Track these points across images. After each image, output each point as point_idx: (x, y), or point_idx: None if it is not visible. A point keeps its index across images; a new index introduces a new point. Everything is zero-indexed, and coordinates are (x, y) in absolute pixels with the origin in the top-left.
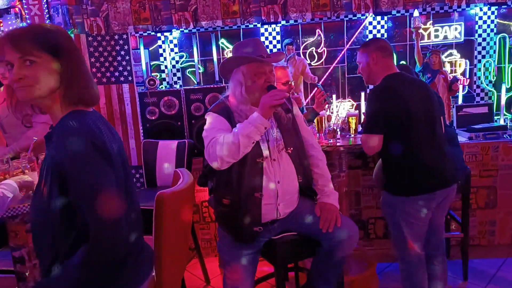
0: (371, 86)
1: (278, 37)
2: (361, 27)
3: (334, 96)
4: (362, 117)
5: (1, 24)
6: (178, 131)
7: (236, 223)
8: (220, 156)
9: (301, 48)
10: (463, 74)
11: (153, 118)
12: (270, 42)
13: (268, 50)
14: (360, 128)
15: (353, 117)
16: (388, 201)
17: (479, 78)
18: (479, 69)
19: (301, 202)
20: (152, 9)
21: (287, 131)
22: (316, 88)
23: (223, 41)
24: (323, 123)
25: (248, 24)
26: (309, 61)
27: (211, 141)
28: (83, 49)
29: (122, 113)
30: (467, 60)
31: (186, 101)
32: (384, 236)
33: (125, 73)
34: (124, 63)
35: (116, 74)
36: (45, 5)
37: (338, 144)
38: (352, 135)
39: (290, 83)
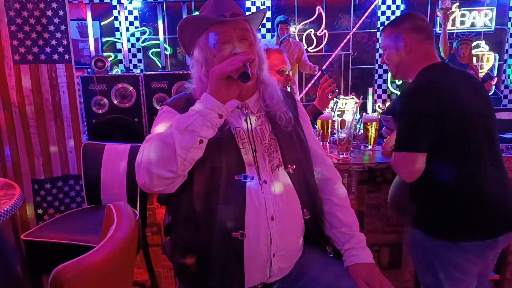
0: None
1: (268, 14)
2: (372, 6)
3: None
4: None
5: None
6: (134, 130)
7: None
8: (145, 165)
9: (296, 29)
10: (491, 71)
11: (101, 111)
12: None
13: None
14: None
15: (372, 123)
16: (423, 245)
17: (509, 76)
18: (510, 66)
19: (308, 254)
20: None
21: (286, 138)
22: (320, 74)
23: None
24: (329, 128)
25: None
26: (305, 46)
27: (147, 142)
28: (1, 14)
29: (55, 103)
30: (496, 54)
31: (146, 91)
32: (389, 266)
33: (60, 50)
34: (58, 35)
35: (47, 50)
36: None
37: (352, 161)
38: (370, 147)
39: (287, 72)
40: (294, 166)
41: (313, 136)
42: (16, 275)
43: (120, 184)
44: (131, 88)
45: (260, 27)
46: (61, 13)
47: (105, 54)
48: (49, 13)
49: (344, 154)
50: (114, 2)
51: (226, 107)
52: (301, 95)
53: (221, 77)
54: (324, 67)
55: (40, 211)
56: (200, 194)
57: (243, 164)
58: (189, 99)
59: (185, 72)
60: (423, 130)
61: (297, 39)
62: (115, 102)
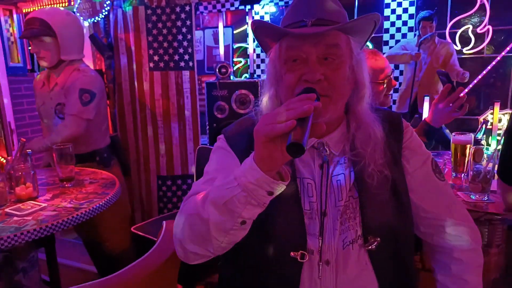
0: None
1: (412, 9)
2: None
3: (496, 106)
4: None
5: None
6: None
7: None
8: (179, 237)
9: (448, 26)
10: None
11: (221, 116)
12: (398, 17)
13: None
14: None
15: None
16: None
17: None
18: None
19: None
20: None
21: (375, 198)
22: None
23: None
24: (466, 155)
25: None
26: (458, 47)
27: (186, 201)
28: (141, 26)
29: (180, 107)
30: None
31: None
32: None
33: (186, 57)
34: (185, 43)
35: (176, 57)
36: None
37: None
38: None
39: (389, 77)
40: (378, 239)
41: (438, 187)
42: None
43: None
44: (250, 94)
45: (400, 27)
46: (188, 22)
47: (235, 59)
48: (179, 23)
49: (477, 196)
50: (248, 8)
51: (280, 183)
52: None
53: (269, 140)
54: (476, 80)
55: (161, 204)
56: (242, 267)
57: (305, 235)
58: (251, 134)
59: None
60: None
61: (448, 38)
62: (234, 107)
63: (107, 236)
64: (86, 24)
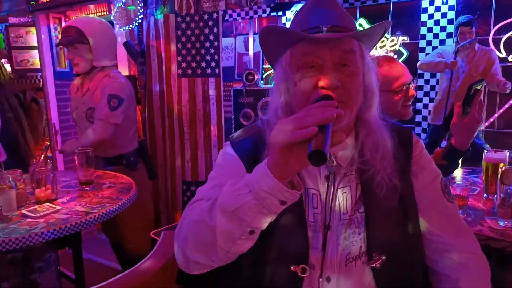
0: None
1: (452, 14)
2: None
3: None
4: None
5: (112, 7)
6: None
7: None
8: (181, 243)
9: (492, 32)
10: None
11: (246, 123)
12: (436, 23)
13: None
14: None
15: None
16: None
17: None
18: None
19: None
20: None
21: (382, 214)
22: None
23: (361, 22)
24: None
25: None
26: (503, 54)
27: (190, 207)
28: (171, 33)
29: (206, 114)
30: None
31: None
32: None
33: (212, 64)
34: (212, 50)
35: (203, 64)
36: None
37: None
38: None
39: (406, 86)
40: (384, 258)
41: (445, 207)
42: None
43: None
44: None
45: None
46: (215, 30)
47: (266, 66)
48: (206, 30)
49: (506, 223)
50: (280, 13)
51: (293, 193)
52: (490, 120)
53: (286, 146)
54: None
55: None
56: (239, 279)
57: (307, 249)
58: (257, 141)
59: None
60: None
61: (492, 45)
62: (260, 114)
63: (130, 237)
64: (122, 31)
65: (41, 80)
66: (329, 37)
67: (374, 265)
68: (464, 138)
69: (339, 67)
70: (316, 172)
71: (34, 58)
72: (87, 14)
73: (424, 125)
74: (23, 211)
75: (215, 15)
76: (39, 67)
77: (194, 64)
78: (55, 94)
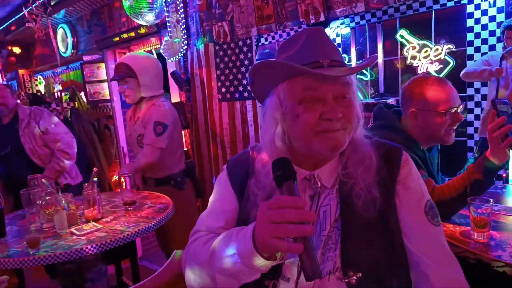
0: None
1: (501, 17)
2: None
3: None
4: None
5: (164, 39)
6: None
7: None
8: (189, 283)
9: None
10: None
11: None
12: (484, 27)
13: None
14: None
15: None
16: None
17: None
18: None
19: None
20: (276, 1)
21: (358, 229)
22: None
23: (402, 33)
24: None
25: None
26: None
27: (192, 239)
28: (211, 61)
29: (245, 135)
30: None
31: None
32: None
33: (249, 88)
34: (247, 74)
35: (240, 88)
36: (183, 15)
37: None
38: None
39: (454, 109)
40: (359, 275)
41: (421, 221)
42: None
43: None
44: None
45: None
46: (249, 55)
47: None
48: (241, 56)
49: None
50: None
51: (281, 262)
52: None
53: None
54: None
55: None
56: None
57: (281, 264)
58: (247, 168)
59: (378, 100)
60: None
61: None
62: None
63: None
64: (170, 61)
65: (111, 109)
66: (338, 75)
67: (347, 280)
68: (499, 155)
69: (340, 100)
70: (301, 192)
71: (105, 90)
72: (149, 46)
73: (477, 137)
74: (72, 229)
75: (248, 41)
76: (109, 97)
77: (232, 89)
78: (123, 121)
